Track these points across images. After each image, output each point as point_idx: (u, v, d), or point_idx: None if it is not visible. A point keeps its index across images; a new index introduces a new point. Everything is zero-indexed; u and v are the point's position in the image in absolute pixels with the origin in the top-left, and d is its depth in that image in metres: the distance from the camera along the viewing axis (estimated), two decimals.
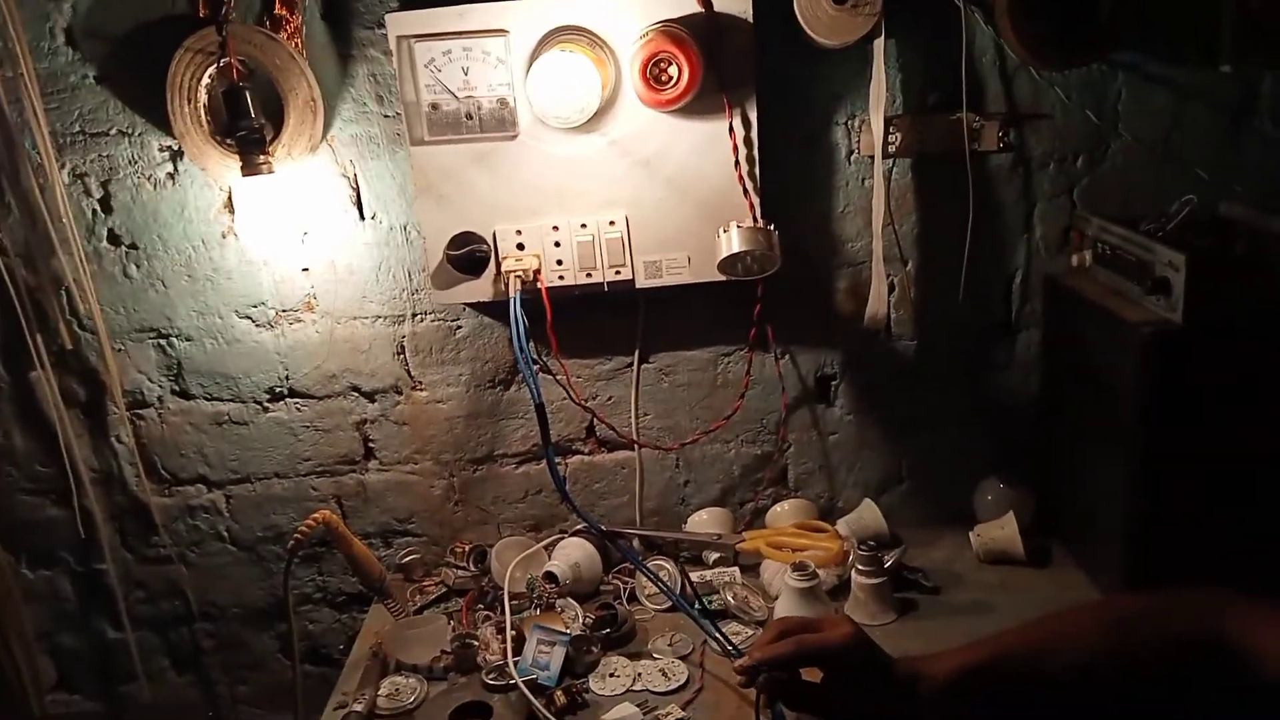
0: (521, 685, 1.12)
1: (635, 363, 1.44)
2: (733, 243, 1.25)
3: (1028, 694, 0.91)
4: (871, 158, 1.33)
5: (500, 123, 1.26)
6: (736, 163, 1.27)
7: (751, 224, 1.27)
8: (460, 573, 1.42)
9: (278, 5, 1.25)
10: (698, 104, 1.24)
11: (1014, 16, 1.22)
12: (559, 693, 1.13)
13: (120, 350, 1.43)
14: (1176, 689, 0.90)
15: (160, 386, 1.45)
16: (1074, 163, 1.36)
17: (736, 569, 1.35)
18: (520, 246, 1.31)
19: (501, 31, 1.22)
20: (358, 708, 1.14)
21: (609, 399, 1.46)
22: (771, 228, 1.27)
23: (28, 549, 1.53)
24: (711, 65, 1.23)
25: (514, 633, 1.22)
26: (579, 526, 1.41)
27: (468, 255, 1.30)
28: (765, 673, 0.92)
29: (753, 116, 1.27)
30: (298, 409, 1.46)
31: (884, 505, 1.43)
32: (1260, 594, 0.88)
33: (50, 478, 1.48)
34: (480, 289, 1.33)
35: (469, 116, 1.25)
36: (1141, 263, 1.17)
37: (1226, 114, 1.33)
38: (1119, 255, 1.23)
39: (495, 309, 1.40)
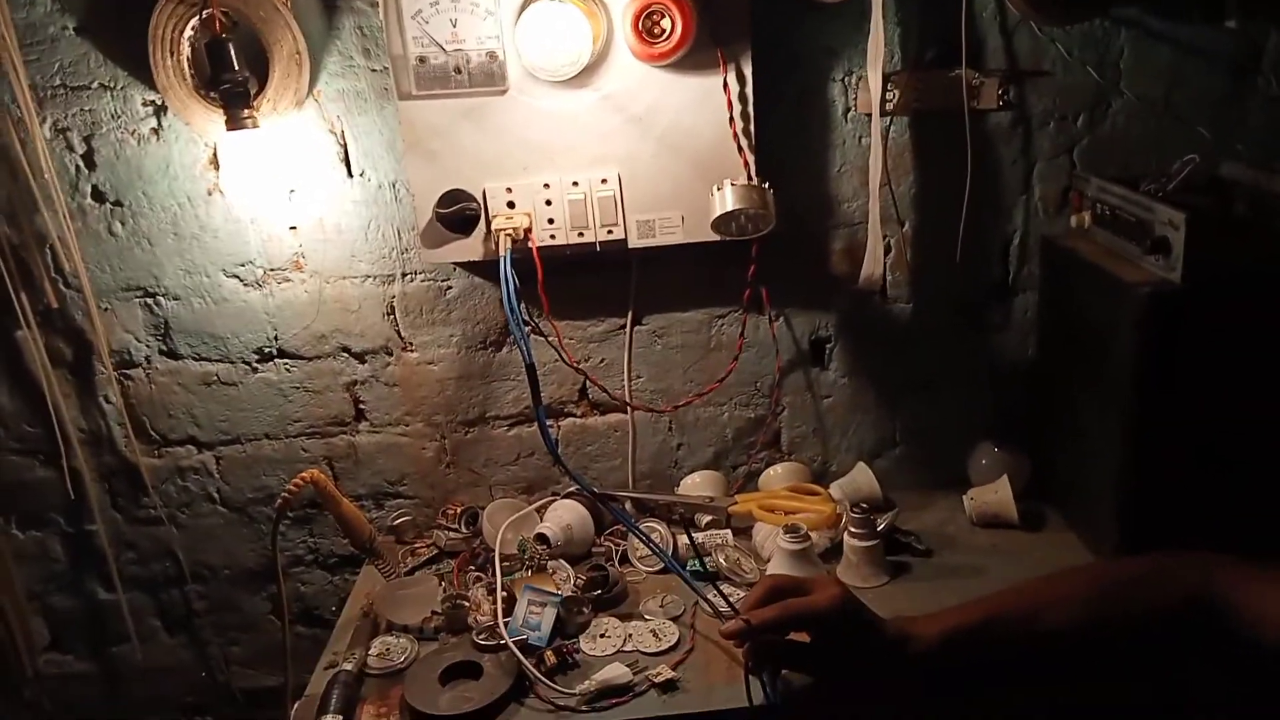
0: (512, 645, 1.12)
1: (628, 324, 1.43)
2: (726, 201, 1.23)
3: (1019, 655, 0.91)
4: (869, 115, 1.30)
5: (489, 77, 1.23)
6: (731, 119, 1.25)
7: (746, 182, 1.25)
8: (451, 534, 1.42)
9: None
10: (691, 58, 1.22)
11: None
12: (549, 653, 1.13)
13: (106, 309, 1.41)
14: (1166, 650, 0.90)
15: (148, 346, 1.43)
16: (1074, 121, 1.34)
17: (729, 532, 1.35)
18: (511, 205, 1.29)
19: None
20: (348, 666, 1.14)
21: (601, 361, 1.45)
22: (766, 186, 1.25)
23: (17, 510, 1.53)
24: (705, 18, 1.20)
25: (505, 594, 1.21)
26: (571, 489, 1.41)
27: (457, 213, 1.27)
28: (753, 637, 0.92)
29: (747, 72, 1.24)
30: (287, 369, 1.45)
31: (878, 469, 1.42)
32: (1251, 556, 0.88)
33: (38, 438, 1.47)
34: (470, 248, 1.31)
35: (458, 70, 1.23)
36: (1141, 223, 1.15)
37: (1230, 71, 1.31)
38: (1119, 216, 1.21)
39: (486, 269, 1.38)
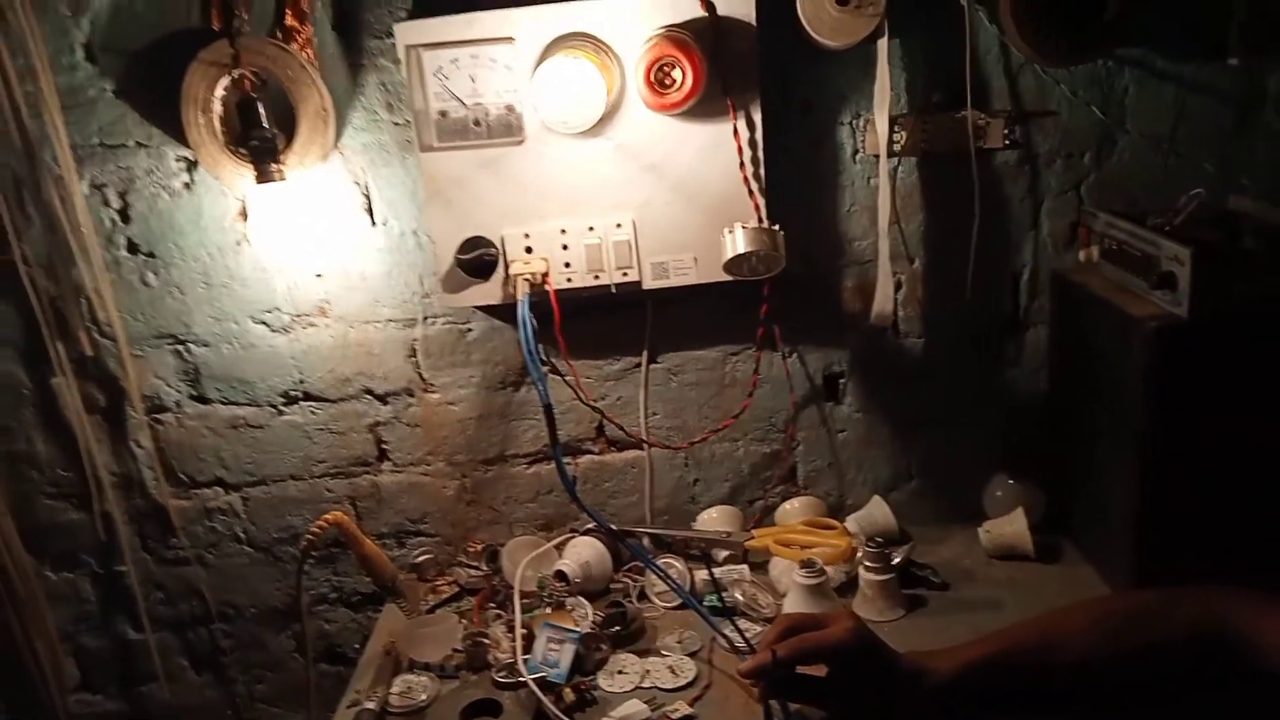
0: (531, 683, 1.13)
1: (643, 363, 1.45)
2: (738, 243, 1.26)
3: (1033, 688, 0.92)
4: (877, 157, 1.33)
5: (508, 128, 1.27)
6: (741, 164, 1.28)
7: (757, 224, 1.28)
8: (472, 572, 1.44)
9: (289, 16, 1.27)
10: (702, 107, 1.25)
11: (1018, 14, 1.22)
12: (568, 690, 1.14)
13: (139, 356, 1.45)
14: (1181, 683, 0.90)
15: (178, 391, 1.48)
16: (1081, 159, 1.36)
17: (745, 566, 1.36)
18: (528, 250, 1.32)
19: (508, 39, 1.24)
20: (370, 705, 1.16)
21: (618, 399, 1.48)
22: (776, 228, 1.28)
23: (51, 552, 1.56)
24: (715, 68, 1.24)
25: (524, 631, 1.23)
26: (589, 526, 1.43)
27: (477, 259, 1.31)
28: (769, 674, 0.93)
29: (757, 118, 1.28)
30: (312, 412, 1.48)
31: (893, 503, 1.43)
32: (1269, 588, 0.88)
33: (71, 482, 1.51)
34: (489, 292, 1.34)
35: (477, 123, 1.27)
36: (1148, 257, 1.17)
37: (1234, 108, 1.33)
38: (1126, 250, 1.23)
39: (505, 312, 1.42)
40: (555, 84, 1.19)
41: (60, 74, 1.32)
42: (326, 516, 1.26)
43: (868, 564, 1.26)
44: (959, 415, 1.46)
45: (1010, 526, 1.36)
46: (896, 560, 1.28)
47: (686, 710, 1.11)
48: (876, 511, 1.42)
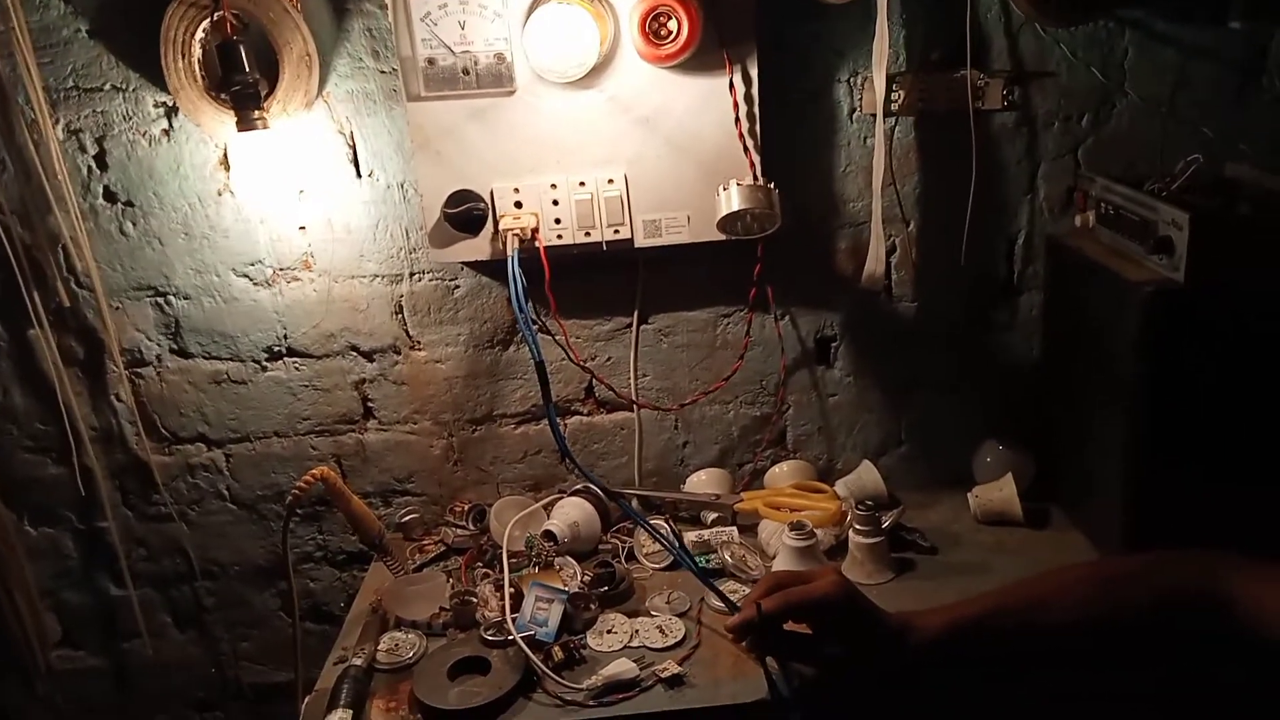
0: (519, 641, 1.13)
1: (634, 323, 1.44)
2: (732, 201, 1.24)
3: (1019, 647, 0.92)
4: (873, 116, 1.31)
5: (497, 78, 1.24)
6: (736, 120, 1.26)
7: (751, 182, 1.26)
8: (459, 531, 1.43)
9: None
10: (698, 60, 1.23)
11: None
12: (556, 648, 1.14)
13: (118, 308, 1.42)
14: (1166, 644, 0.91)
15: (158, 345, 1.45)
16: (1079, 122, 1.34)
17: (734, 529, 1.36)
18: (518, 205, 1.30)
19: None
20: (357, 661, 1.15)
21: (608, 360, 1.46)
22: (772, 186, 1.26)
23: (30, 507, 1.54)
24: (712, 20, 1.21)
25: (512, 590, 1.22)
26: (577, 486, 1.42)
27: (465, 213, 1.28)
28: (755, 630, 0.93)
29: (753, 73, 1.25)
30: (296, 368, 1.46)
31: (883, 467, 1.43)
32: (1255, 554, 0.89)
33: (50, 436, 1.48)
34: (478, 248, 1.32)
35: (466, 72, 1.24)
36: (1145, 222, 1.16)
37: (1235, 72, 1.31)
38: (1122, 215, 1.22)
39: (493, 268, 1.39)
40: (547, 31, 1.16)
41: (32, 12, 1.26)
42: (314, 471, 1.24)
43: (857, 527, 1.26)
44: (950, 380, 1.46)
45: (999, 492, 1.36)
46: (886, 524, 1.28)
47: (676, 669, 1.10)
48: (866, 475, 1.41)
